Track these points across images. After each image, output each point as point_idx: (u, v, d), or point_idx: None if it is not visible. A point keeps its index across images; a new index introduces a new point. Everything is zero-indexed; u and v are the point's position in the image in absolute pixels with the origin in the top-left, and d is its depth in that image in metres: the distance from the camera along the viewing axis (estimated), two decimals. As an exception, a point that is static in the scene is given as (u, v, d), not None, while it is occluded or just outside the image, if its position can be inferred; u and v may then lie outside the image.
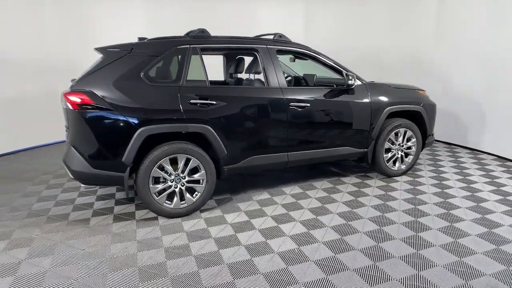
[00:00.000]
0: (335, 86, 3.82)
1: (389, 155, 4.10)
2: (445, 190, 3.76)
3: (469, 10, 5.25)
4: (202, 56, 3.26)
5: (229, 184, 4.04)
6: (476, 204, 3.40)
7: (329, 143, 3.74)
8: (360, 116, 3.81)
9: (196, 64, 3.20)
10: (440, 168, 4.52)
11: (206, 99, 3.11)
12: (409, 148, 4.21)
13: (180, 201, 3.16)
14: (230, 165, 3.32)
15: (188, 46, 3.18)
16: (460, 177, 4.18)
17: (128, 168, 2.93)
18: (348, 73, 3.64)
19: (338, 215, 3.19)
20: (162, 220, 3.13)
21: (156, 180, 3.09)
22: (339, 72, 3.79)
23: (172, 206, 3.13)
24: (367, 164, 4.13)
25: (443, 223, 3.00)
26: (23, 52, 5.46)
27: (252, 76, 3.80)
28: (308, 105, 3.52)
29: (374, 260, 2.45)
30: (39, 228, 3.01)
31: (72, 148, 2.91)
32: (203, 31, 3.33)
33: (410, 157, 4.24)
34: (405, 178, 4.18)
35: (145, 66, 3.01)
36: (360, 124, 3.83)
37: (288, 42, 3.66)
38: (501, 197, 3.54)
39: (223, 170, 3.30)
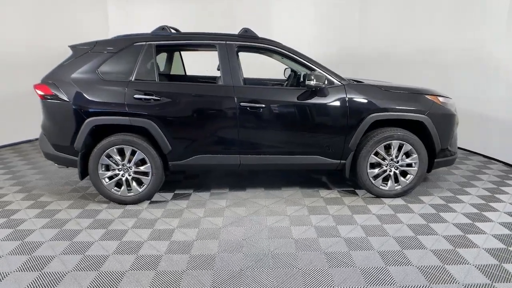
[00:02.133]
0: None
1: (376, 171, 3.43)
2: (432, 224, 2.95)
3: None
4: (164, 52, 3.35)
5: (203, 181, 4.07)
6: (452, 248, 2.57)
7: (291, 149, 3.36)
8: (331, 122, 3.30)
9: (150, 61, 3.31)
10: (460, 196, 3.54)
11: (151, 95, 3.21)
12: (409, 165, 3.43)
13: (128, 189, 3.37)
14: (175, 161, 3.35)
15: (144, 43, 3.32)
16: (474, 211, 3.19)
17: (80, 153, 3.27)
18: (314, 72, 3.18)
19: (268, 229, 2.88)
20: (110, 205, 3.40)
21: (108, 168, 3.36)
22: (312, 70, 3.35)
23: (119, 193, 3.36)
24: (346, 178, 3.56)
25: (377, 264, 2.39)
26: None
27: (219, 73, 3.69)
28: (263, 105, 3.24)
29: None
30: (22, 195, 3.65)
31: (42, 132, 3.42)
32: (163, 28, 3.41)
33: (410, 177, 3.45)
34: (397, 201, 3.44)
35: (102, 62, 3.28)
36: (331, 132, 3.32)
37: (252, 38, 3.42)
38: (497, 256, 2.58)
39: (169, 166, 3.36)
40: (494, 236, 2.73)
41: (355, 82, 3.59)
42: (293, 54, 3.38)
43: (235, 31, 3.62)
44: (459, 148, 5.35)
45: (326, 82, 3.24)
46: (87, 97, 3.21)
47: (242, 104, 3.23)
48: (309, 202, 3.43)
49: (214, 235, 2.80)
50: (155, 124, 3.22)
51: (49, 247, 2.63)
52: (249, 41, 3.39)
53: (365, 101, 3.30)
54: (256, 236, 2.78)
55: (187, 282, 2.20)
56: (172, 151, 3.30)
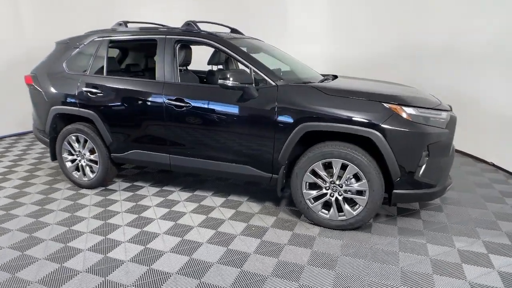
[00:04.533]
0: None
1: (315, 192, 2.78)
2: (340, 269, 2.22)
3: None
4: (120, 47, 3.47)
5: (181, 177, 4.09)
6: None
7: (219, 155, 3.04)
8: (256, 129, 2.83)
9: (103, 55, 3.47)
10: (435, 245, 2.53)
11: (96, 88, 3.37)
12: (360, 193, 2.67)
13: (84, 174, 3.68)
14: (116, 153, 3.47)
15: (100, 38, 3.50)
16: (425, 271, 2.24)
17: (49, 137, 3.72)
18: (232, 69, 2.76)
19: (162, 223, 2.71)
20: (71, 187, 3.76)
21: (71, 153, 3.71)
22: (247, 67, 2.92)
23: (77, 177, 3.70)
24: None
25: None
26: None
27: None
28: (188, 104, 3.01)
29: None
30: (28, 167, 4.37)
31: (32, 115, 4.01)
32: (120, 24, 3.52)
33: (359, 208, 2.67)
34: (333, 234, 2.72)
35: (69, 56, 3.62)
36: (257, 140, 2.85)
37: (192, 32, 3.18)
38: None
39: (111, 157, 3.50)
40: (405, 313, 1.88)
41: (328, 79, 3.06)
42: (229, 49, 3.00)
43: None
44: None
45: (251, 82, 2.77)
46: (54, 88, 3.61)
47: (168, 102, 3.08)
48: (231, 215, 3.04)
49: (106, 232, 2.80)
50: (98, 116, 3.38)
51: (-12, 215, 3.11)
52: (188, 35, 3.18)
53: (298, 106, 2.68)
54: (153, 235, 2.65)
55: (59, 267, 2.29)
56: (113, 144, 3.42)
